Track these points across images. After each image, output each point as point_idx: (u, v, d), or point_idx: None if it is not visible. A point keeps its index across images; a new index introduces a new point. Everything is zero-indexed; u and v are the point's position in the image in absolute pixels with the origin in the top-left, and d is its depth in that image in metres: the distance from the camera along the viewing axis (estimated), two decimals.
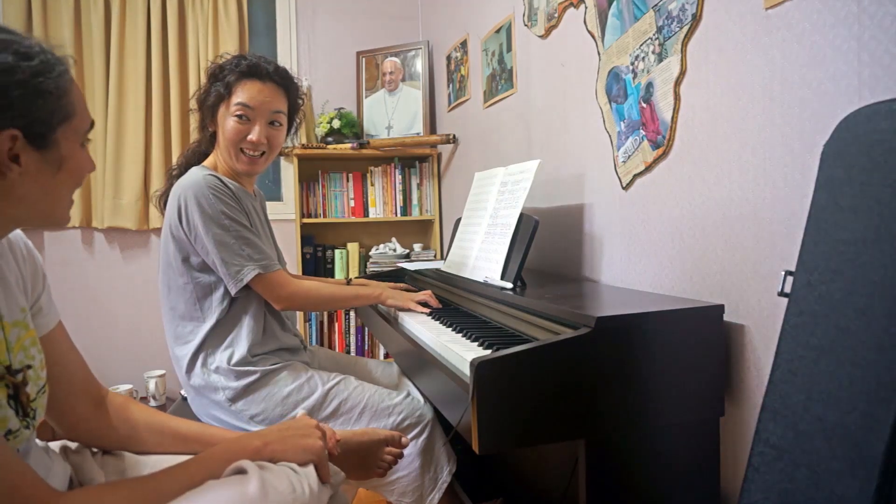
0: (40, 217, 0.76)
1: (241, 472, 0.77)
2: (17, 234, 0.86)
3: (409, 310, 1.61)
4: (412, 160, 3.16)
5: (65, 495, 0.68)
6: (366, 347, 3.12)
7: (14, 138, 0.69)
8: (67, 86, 0.74)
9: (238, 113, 1.43)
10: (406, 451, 1.38)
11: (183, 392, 1.55)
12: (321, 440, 0.91)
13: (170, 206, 1.41)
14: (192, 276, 1.41)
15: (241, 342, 1.41)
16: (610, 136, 1.54)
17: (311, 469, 0.86)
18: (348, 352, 3.09)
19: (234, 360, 1.39)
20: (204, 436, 1.00)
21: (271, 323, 1.48)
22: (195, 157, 1.56)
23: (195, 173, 1.40)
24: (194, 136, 1.61)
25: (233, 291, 1.38)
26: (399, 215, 3.15)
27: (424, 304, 1.63)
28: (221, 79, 1.44)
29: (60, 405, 0.90)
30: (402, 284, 1.80)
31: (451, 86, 2.83)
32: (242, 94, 1.43)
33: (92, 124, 0.80)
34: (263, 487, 0.73)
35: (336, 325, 3.08)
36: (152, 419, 0.99)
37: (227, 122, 1.45)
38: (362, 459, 1.13)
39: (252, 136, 1.44)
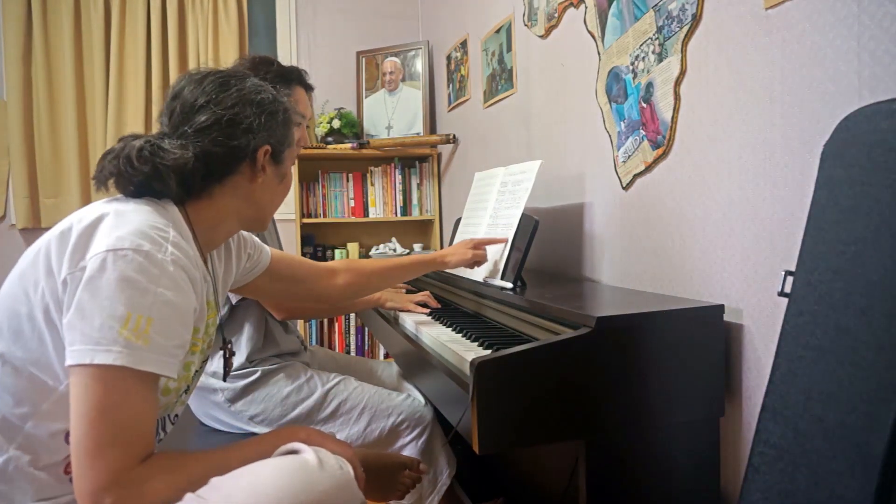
0: (258, 220, 0.99)
1: (294, 451, 0.85)
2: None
3: (408, 311, 1.61)
4: (412, 160, 3.16)
5: (158, 453, 0.78)
6: (366, 347, 3.12)
7: (267, 152, 0.93)
8: (294, 122, 1.00)
9: (296, 122, 1.48)
10: (405, 453, 1.38)
11: None
12: (353, 453, 0.97)
13: None
14: None
15: (240, 349, 1.40)
16: (610, 136, 1.54)
17: None
18: (348, 352, 3.09)
19: (232, 367, 1.39)
20: (403, 260, 1.41)
21: (274, 327, 1.48)
22: None
23: None
24: None
25: (233, 300, 1.38)
26: (399, 215, 3.15)
27: (423, 305, 1.63)
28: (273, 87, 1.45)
29: (312, 290, 1.25)
30: (402, 286, 1.80)
31: (451, 86, 2.84)
32: (297, 103, 1.47)
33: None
34: (319, 459, 0.83)
35: (336, 325, 3.08)
36: (365, 265, 1.36)
37: None
38: (382, 480, 1.16)
39: (304, 141, 1.51)
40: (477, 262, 1.50)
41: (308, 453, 0.83)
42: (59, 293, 0.76)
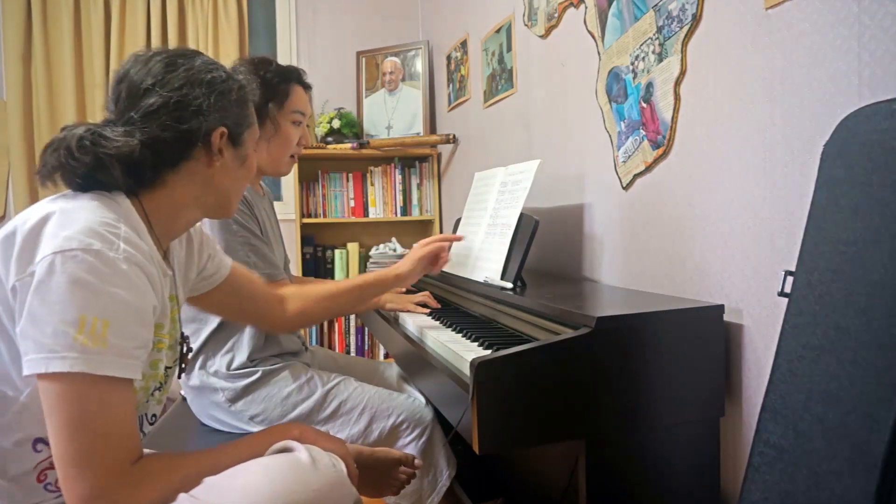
0: (221, 206, 0.94)
1: (287, 449, 0.85)
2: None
3: (408, 311, 1.62)
4: (412, 160, 3.16)
5: (145, 457, 0.76)
6: (366, 348, 3.12)
7: (223, 134, 0.88)
8: (251, 100, 0.96)
9: (297, 120, 1.50)
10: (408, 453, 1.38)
11: (183, 392, 1.55)
12: (347, 450, 0.97)
13: None
14: None
15: (241, 348, 1.40)
16: (610, 136, 1.54)
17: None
18: (348, 352, 3.09)
19: (233, 366, 1.39)
20: (357, 280, 1.31)
21: None
22: None
23: None
24: None
25: None
26: (399, 215, 3.15)
27: (424, 305, 1.63)
28: (274, 86, 1.45)
29: (263, 314, 1.17)
30: (402, 287, 1.80)
31: (451, 86, 2.83)
32: (297, 101, 1.49)
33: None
34: (312, 457, 0.82)
35: (336, 325, 3.08)
36: (316, 290, 1.27)
37: (287, 128, 1.48)
38: (377, 476, 1.16)
39: (304, 140, 1.53)
40: (433, 261, 1.42)
41: (301, 451, 0.83)
42: (10, 301, 0.73)
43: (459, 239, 1.55)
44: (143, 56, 0.86)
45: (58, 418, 0.69)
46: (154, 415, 0.92)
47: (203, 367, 1.40)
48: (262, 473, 0.78)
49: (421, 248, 1.41)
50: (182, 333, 0.98)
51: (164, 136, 0.83)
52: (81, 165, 0.79)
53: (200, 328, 1.41)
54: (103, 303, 0.71)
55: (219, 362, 1.39)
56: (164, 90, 0.83)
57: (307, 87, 1.54)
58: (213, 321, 1.40)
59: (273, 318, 1.19)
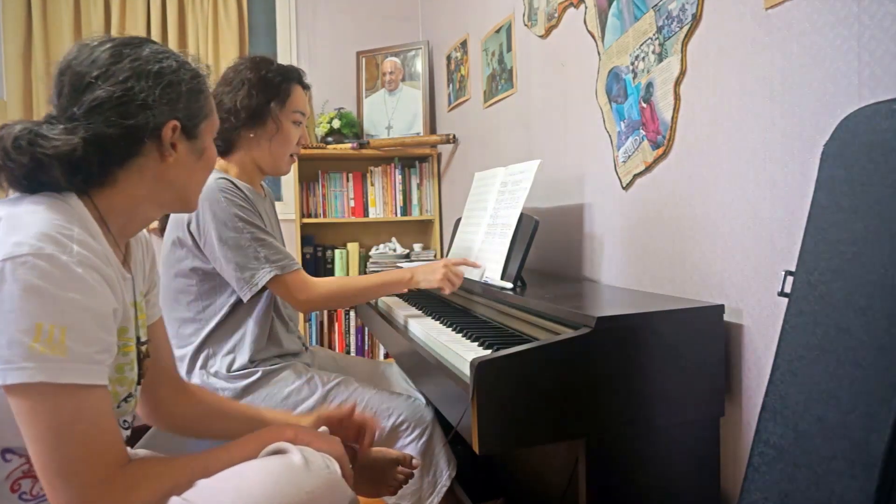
0: (181, 202, 0.90)
1: (280, 451, 0.84)
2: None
3: (440, 287, 1.47)
4: (412, 160, 3.16)
5: (134, 461, 0.74)
6: (366, 347, 3.12)
7: (175, 128, 0.83)
8: (209, 89, 0.91)
9: (297, 120, 1.50)
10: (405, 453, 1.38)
11: None
12: (342, 449, 0.96)
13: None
14: (197, 279, 1.39)
15: (243, 349, 1.40)
16: (610, 136, 1.54)
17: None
18: (348, 352, 3.09)
19: (234, 367, 1.39)
20: (266, 418, 1.11)
21: (276, 326, 1.47)
22: None
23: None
24: None
25: (245, 298, 1.36)
26: (399, 215, 3.15)
27: (435, 308, 1.54)
28: (276, 85, 1.45)
29: (149, 389, 1.00)
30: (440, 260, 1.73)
31: (451, 86, 2.83)
32: (298, 101, 1.49)
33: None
34: (305, 459, 0.81)
35: (336, 325, 3.08)
36: (224, 404, 1.12)
37: (288, 128, 1.49)
38: (374, 476, 1.15)
39: (304, 140, 1.53)
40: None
41: (294, 453, 0.82)
42: None
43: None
44: (89, 45, 0.81)
45: (33, 431, 0.68)
46: (126, 420, 0.88)
47: (204, 366, 1.40)
48: (254, 476, 0.77)
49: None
50: (139, 338, 0.91)
51: (110, 133, 0.78)
52: (19, 167, 0.75)
53: (200, 328, 1.41)
54: (59, 309, 0.68)
55: (220, 363, 1.39)
56: (107, 84, 0.78)
57: (306, 88, 1.55)
58: (213, 320, 1.40)
59: (163, 406, 1.03)
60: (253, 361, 1.41)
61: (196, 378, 1.40)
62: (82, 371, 0.69)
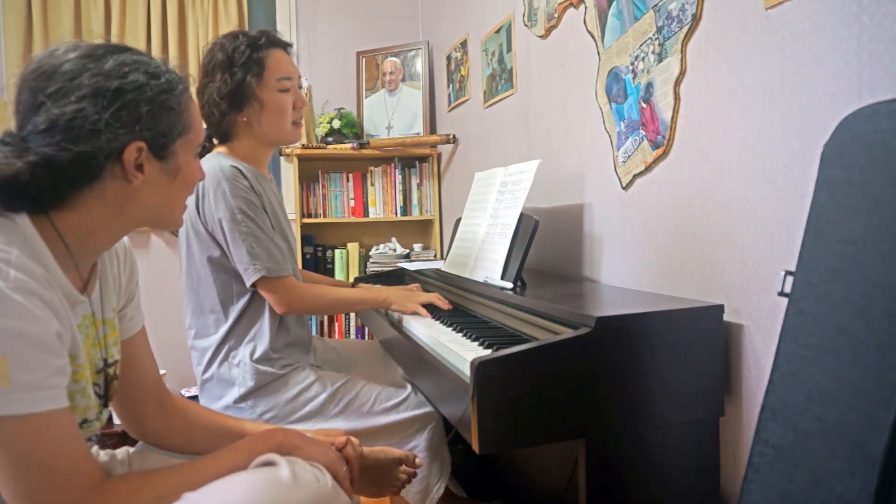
0: (158, 220, 0.86)
1: (269, 463, 0.82)
2: (122, 239, 0.92)
3: (414, 313, 1.52)
4: (412, 160, 3.16)
5: (111, 479, 0.73)
6: None
7: (140, 150, 0.77)
8: (187, 102, 0.83)
9: (284, 87, 1.43)
10: (413, 444, 1.40)
11: (184, 391, 1.56)
12: (336, 453, 0.94)
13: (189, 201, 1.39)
14: (216, 269, 1.40)
15: (263, 336, 1.41)
16: (610, 136, 1.54)
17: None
18: None
19: (256, 355, 1.40)
20: (251, 432, 1.04)
21: (288, 316, 1.48)
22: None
23: (212, 163, 1.37)
24: None
25: (246, 285, 1.38)
26: (399, 215, 3.15)
27: (431, 307, 1.52)
28: (246, 60, 1.38)
29: (133, 404, 0.98)
30: (414, 285, 1.77)
31: (451, 86, 2.83)
32: (277, 66, 1.41)
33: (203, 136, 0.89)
34: (294, 473, 0.79)
35: (336, 324, 3.08)
36: (209, 419, 1.06)
37: (276, 99, 1.42)
38: (378, 476, 1.15)
39: (300, 103, 1.46)
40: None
41: (282, 467, 0.80)
42: None
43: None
44: (55, 52, 0.76)
45: None
46: (89, 439, 0.86)
47: (226, 358, 1.40)
48: (238, 492, 0.75)
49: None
50: (105, 360, 0.86)
51: (60, 158, 0.72)
52: None
53: (221, 319, 1.41)
54: None
55: (242, 352, 1.41)
56: (58, 104, 0.72)
57: (286, 47, 1.45)
58: (234, 312, 1.41)
59: (150, 423, 1.00)
60: (274, 349, 1.42)
61: (214, 370, 1.40)
62: (30, 399, 0.66)
